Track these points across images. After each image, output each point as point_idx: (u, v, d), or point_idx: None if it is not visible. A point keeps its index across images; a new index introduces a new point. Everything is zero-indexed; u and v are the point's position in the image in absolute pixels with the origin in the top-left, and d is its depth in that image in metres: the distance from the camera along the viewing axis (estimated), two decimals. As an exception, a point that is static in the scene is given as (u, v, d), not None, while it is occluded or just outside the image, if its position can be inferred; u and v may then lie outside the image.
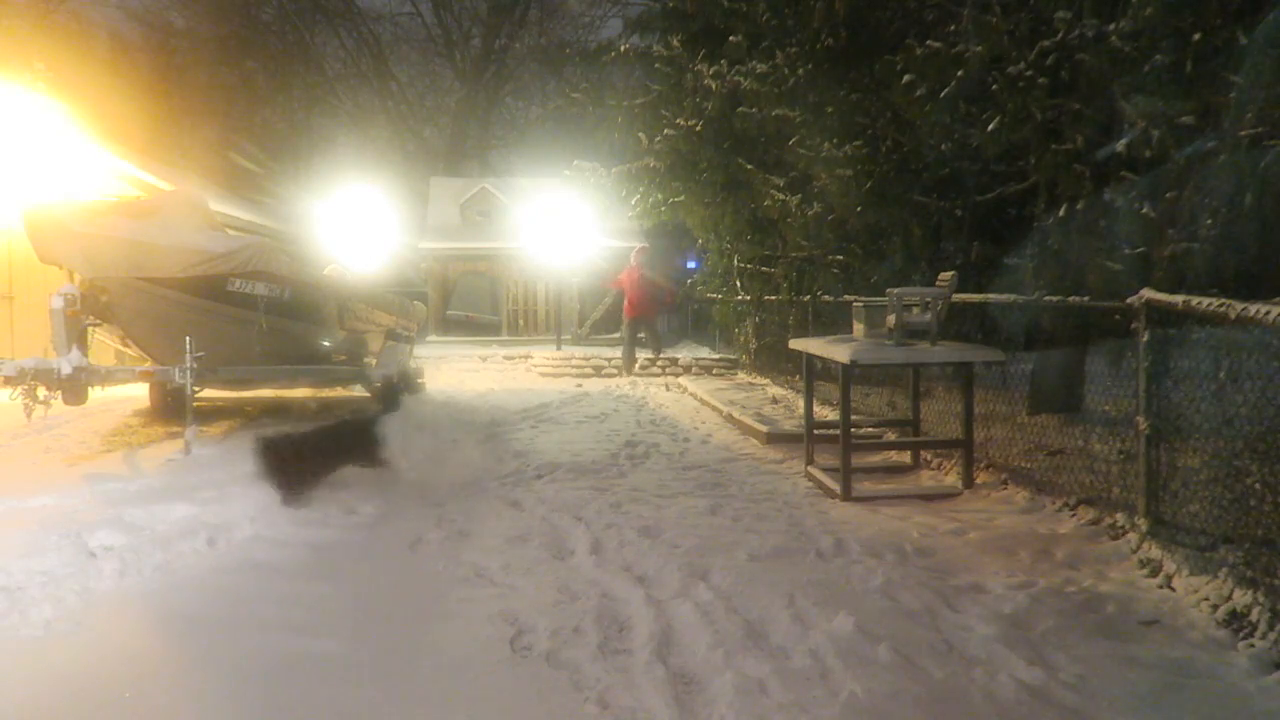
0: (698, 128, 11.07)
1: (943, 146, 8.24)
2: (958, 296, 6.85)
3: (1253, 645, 3.65)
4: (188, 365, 7.96)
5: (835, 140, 8.92)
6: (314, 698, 3.35)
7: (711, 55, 10.76)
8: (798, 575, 4.59)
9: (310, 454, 7.78)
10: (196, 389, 8.69)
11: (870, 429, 8.42)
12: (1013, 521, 5.67)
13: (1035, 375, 8.37)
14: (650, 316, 15.35)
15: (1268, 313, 3.78)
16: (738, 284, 14.69)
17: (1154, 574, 4.53)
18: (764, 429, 9.01)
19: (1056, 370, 8.31)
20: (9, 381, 7.92)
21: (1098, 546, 5.07)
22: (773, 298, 13.94)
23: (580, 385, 15.08)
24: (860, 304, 7.15)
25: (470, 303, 21.96)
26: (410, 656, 3.72)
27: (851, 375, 6.76)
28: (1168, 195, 6.29)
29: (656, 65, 12.00)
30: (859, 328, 6.91)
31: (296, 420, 10.06)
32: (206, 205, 10.09)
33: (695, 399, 12.61)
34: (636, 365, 15.41)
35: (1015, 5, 7.34)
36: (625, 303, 15.18)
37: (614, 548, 5.17)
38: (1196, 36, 5.91)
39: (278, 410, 10.74)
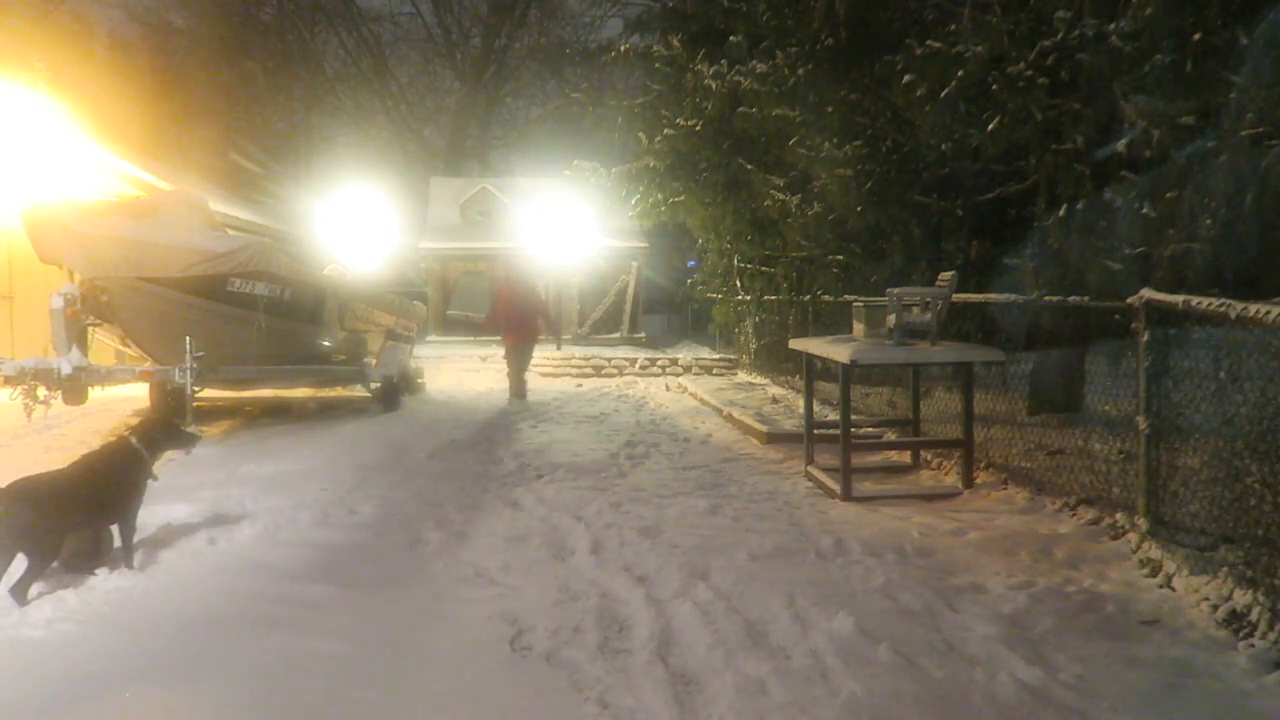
0: (698, 128, 11.08)
1: (943, 146, 8.25)
2: (958, 296, 6.85)
3: (1253, 645, 3.65)
4: (188, 365, 7.97)
5: (835, 140, 8.92)
6: (314, 697, 3.34)
7: (711, 55, 10.76)
8: (798, 575, 4.59)
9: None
10: (196, 389, 8.70)
11: (870, 429, 8.41)
12: (1013, 521, 5.67)
13: (1035, 375, 8.38)
14: (528, 344, 12.49)
15: (1268, 313, 3.78)
16: (738, 284, 14.70)
17: (1154, 574, 4.53)
18: (764, 429, 9.01)
19: (1056, 370, 8.32)
20: (9, 381, 7.93)
21: (1098, 546, 5.07)
22: (773, 298, 13.95)
23: (580, 385, 15.08)
24: (860, 304, 7.15)
25: (470, 303, 21.95)
26: (410, 656, 3.72)
27: (851, 375, 6.76)
28: (1168, 195, 6.29)
29: (656, 65, 12.00)
30: (859, 328, 6.91)
31: (296, 420, 10.07)
32: (206, 205, 10.12)
33: (695, 399, 12.61)
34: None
35: (1015, 5, 7.35)
36: (504, 325, 12.43)
37: (614, 548, 5.16)
38: (1196, 36, 5.91)
39: (278, 410, 10.74)
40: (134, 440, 4.86)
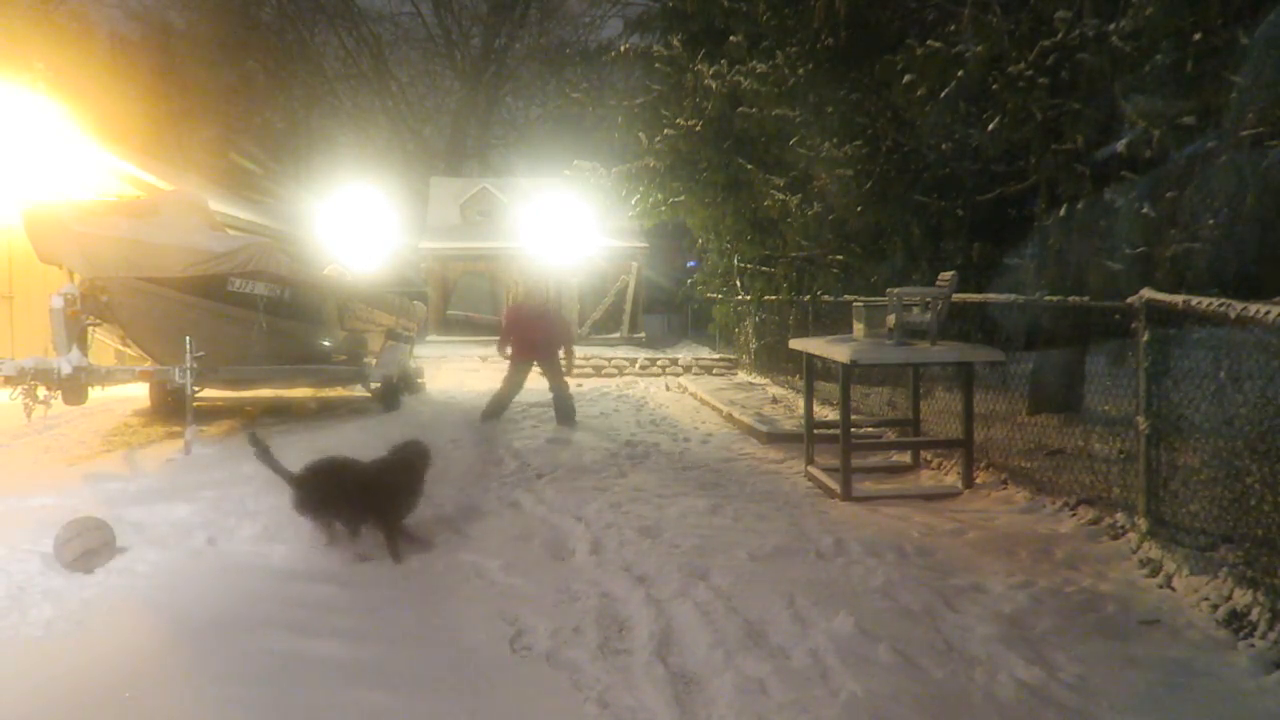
0: (698, 128, 11.07)
1: (943, 146, 8.24)
2: (958, 296, 6.85)
3: (1253, 645, 3.65)
4: (188, 365, 7.96)
5: (835, 140, 8.92)
6: (314, 698, 3.34)
7: (711, 55, 10.76)
8: (798, 575, 4.59)
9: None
10: (196, 389, 8.70)
11: (870, 429, 8.42)
12: (1013, 521, 5.67)
13: (1035, 375, 8.37)
14: (553, 359, 10.29)
15: (1267, 312, 3.78)
16: (738, 284, 14.68)
17: (1154, 574, 4.54)
18: (764, 429, 9.01)
19: (1056, 370, 8.32)
20: (9, 381, 7.92)
21: (1098, 546, 5.07)
22: (773, 298, 13.94)
23: (580, 385, 15.07)
24: (860, 304, 7.15)
25: (470, 303, 21.96)
26: (411, 657, 3.71)
27: (851, 375, 6.76)
28: (1168, 195, 6.29)
29: (656, 65, 12.00)
30: (859, 328, 6.91)
31: (296, 420, 10.06)
32: (206, 205, 10.10)
33: (695, 399, 12.61)
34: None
35: (1015, 5, 7.34)
36: (515, 339, 10.25)
37: (614, 548, 5.16)
38: (1197, 36, 5.91)
39: (278, 410, 10.73)
40: None
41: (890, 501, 6.28)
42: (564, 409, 10.24)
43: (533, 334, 10.24)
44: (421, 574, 4.80)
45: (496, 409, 10.26)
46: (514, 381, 10.29)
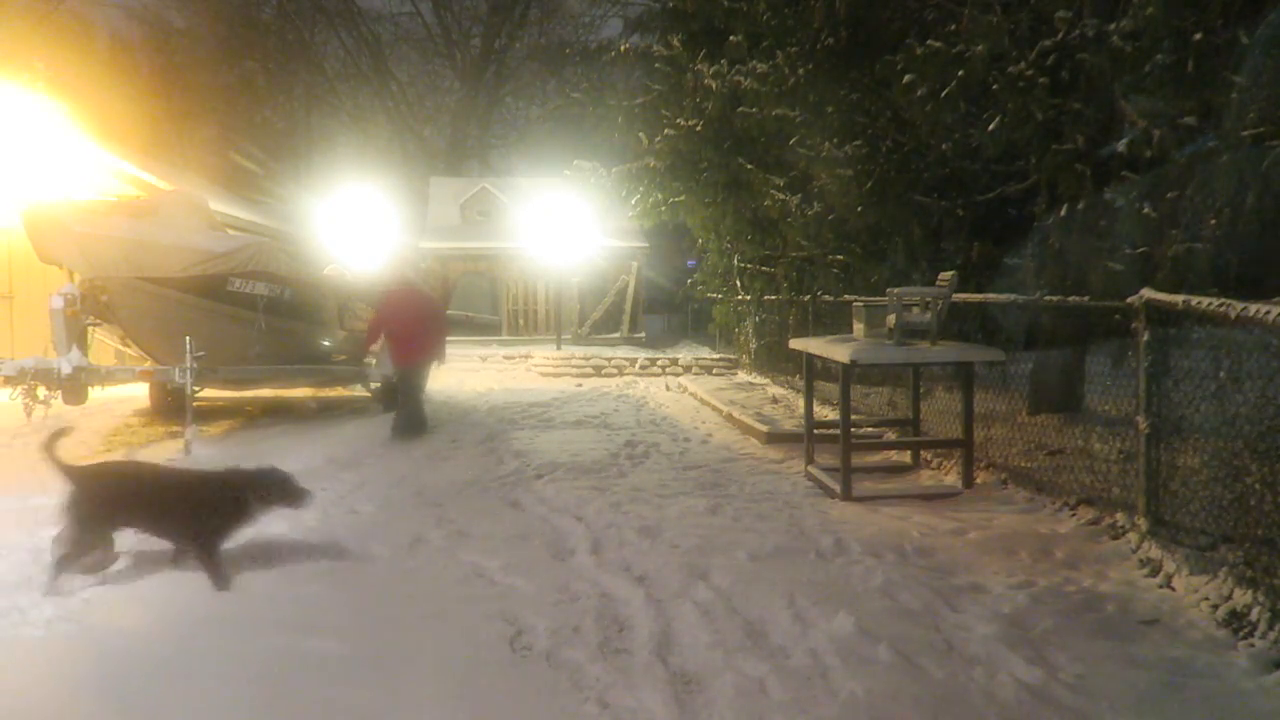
0: (698, 128, 11.08)
1: (943, 146, 8.24)
2: (958, 296, 6.85)
3: (1253, 645, 3.65)
4: (188, 365, 7.97)
5: (835, 140, 8.92)
6: (314, 697, 3.34)
7: (711, 55, 10.77)
8: (798, 575, 4.59)
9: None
10: (196, 389, 8.70)
11: (870, 429, 8.42)
12: (1013, 521, 5.67)
13: (1035, 375, 8.38)
14: (424, 363, 9.20)
15: (1267, 313, 3.78)
16: (738, 284, 14.70)
17: (1154, 574, 4.53)
18: (764, 429, 9.01)
19: (1056, 370, 8.32)
20: (9, 381, 7.93)
21: (1098, 546, 5.07)
22: (773, 297, 13.95)
23: (580, 385, 15.08)
24: (860, 304, 7.15)
25: (470, 303, 21.98)
26: (410, 656, 3.71)
27: (851, 375, 6.76)
28: (1169, 195, 6.30)
29: (656, 65, 12.01)
30: (859, 327, 6.91)
31: (296, 420, 10.06)
32: (206, 205, 10.12)
33: (695, 399, 12.61)
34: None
35: (1016, 5, 7.35)
36: (392, 340, 9.18)
37: (614, 547, 5.16)
38: (1198, 36, 5.92)
39: (278, 410, 10.74)
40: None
41: (890, 501, 6.27)
42: (411, 418, 8.96)
43: (411, 329, 9.03)
44: (421, 573, 4.80)
45: (417, 420, 9.07)
46: (411, 395, 9.11)
